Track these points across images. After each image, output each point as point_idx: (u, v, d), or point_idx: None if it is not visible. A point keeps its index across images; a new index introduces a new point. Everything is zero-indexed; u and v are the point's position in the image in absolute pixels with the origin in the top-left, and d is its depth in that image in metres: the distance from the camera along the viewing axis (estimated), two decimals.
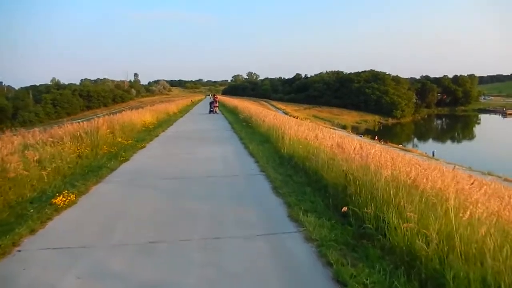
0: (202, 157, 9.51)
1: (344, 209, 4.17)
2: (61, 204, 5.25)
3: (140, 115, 18.68)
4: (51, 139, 9.17)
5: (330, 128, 40.94)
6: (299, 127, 10.93)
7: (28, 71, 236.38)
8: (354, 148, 6.17)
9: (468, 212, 3.42)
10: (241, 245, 3.99)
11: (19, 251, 3.92)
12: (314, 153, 7.42)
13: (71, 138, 9.57)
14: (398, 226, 3.82)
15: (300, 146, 8.15)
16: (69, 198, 5.50)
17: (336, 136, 9.45)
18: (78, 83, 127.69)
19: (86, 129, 10.50)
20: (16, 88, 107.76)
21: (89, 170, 7.86)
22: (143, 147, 11.37)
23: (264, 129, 13.73)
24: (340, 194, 5.42)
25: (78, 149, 9.17)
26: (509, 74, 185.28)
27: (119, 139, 12.08)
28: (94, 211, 5.22)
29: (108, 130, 11.82)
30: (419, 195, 4.23)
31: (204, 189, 6.37)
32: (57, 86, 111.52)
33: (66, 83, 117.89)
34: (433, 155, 38.34)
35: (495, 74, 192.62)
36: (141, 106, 34.75)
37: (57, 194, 5.61)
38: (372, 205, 4.45)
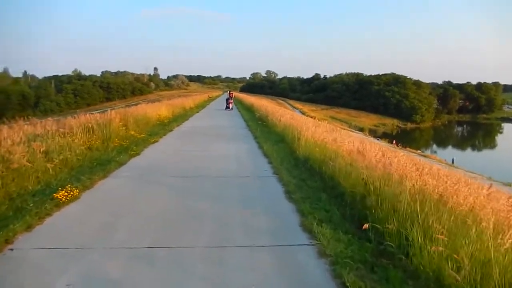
0: (215, 155, 9.21)
1: (365, 226, 3.77)
2: (63, 199, 5.01)
3: (156, 109, 18.53)
4: (62, 129, 9.02)
5: (348, 130, 40.23)
6: (316, 128, 10.51)
7: (52, 62, 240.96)
8: (376, 155, 5.74)
9: (507, 237, 3.00)
10: (248, 257, 3.65)
11: (11, 249, 3.67)
12: (332, 157, 7.02)
13: (82, 129, 9.41)
14: (423, 247, 3.42)
15: (317, 149, 7.75)
16: (72, 193, 5.26)
17: (356, 140, 8.99)
18: (99, 75, 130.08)
19: (99, 121, 10.33)
20: (40, 78, 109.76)
21: (97, 163, 7.64)
22: (155, 141, 11.14)
23: (279, 128, 13.35)
24: (358, 204, 5.03)
25: (88, 141, 9.00)
26: None
27: (132, 132, 11.90)
28: (96, 209, 4.96)
29: (121, 123, 11.64)
30: (448, 212, 3.81)
31: (214, 189, 6.06)
32: (78, 77, 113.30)
33: (88, 74, 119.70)
34: (453, 162, 37.44)
35: None
36: (158, 100, 34.84)
37: (60, 188, 5.37)
38: (394, 220, 4.05)
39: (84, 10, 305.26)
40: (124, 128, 11.64)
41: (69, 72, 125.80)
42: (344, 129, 37.22)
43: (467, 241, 3.17)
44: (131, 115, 13.48)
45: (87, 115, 10.97)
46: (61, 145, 7.68)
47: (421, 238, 3.57)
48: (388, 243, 3.74)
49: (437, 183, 4.30)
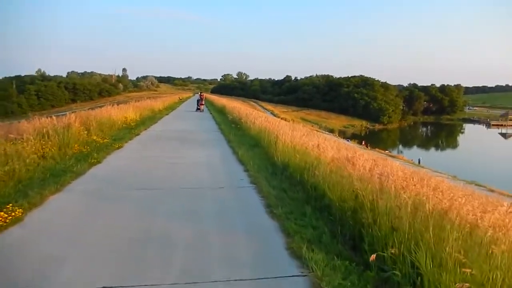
0: (185, 162, 8.46)
1: (373, 257, 3.16)
2: (1, 223, 4.15)
3: (122, 111, 17.45)
4: (11, 135, 8.02)
5: (319, 131, 40.18)
6: (293, 132, 9.96)
7: (14, 61, 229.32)
8: (364, 163, 5.21)
9: None
10: None
11: None
12: (314, 165, 6.47)
13: (36, 135, 8.42)
14: (437, 278, 2.88)
15: (297, 155, 7.17)
16: (14, 214, 4.40)
17: (340, 145, 8.51)
18: (64, 76, 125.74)
19: (56, 125, 9.33)
20: (0, 78, 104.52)
21: (51, 174, 6.73)
22: (120, 147, 10.24)
23: (254, 132, 12.74)
24: (349, 220, 4.46)
25: (43, 148, 8.03)
26: (494, 86, 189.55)
27: (95, 137, 10.93)
28: (41, 235, 4.12)
29: (82, 127, 10.67)
30: (457, 230, 3.30)
31: (185, 205, 5.33)
32: (42, 77, 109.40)
33: (52, 75, 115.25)
34: (419, 162, 38.19)
35: (480, 85, 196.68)
36: (127, 101, 33.44)
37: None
38: (396, 240, 3.50)
39: (50, 7, 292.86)
40: (85, 132, 10.66)
41: (32, 72, 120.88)
42: (317, 130, 37.16)
43: (492, 267, 2.65)
44: (94, 118, 12.46)
45: (44, 118, 9.93)
46: (9, 153, 6.72)
47: (431, 264, 3.04)
48: (393, 272, 3.18)
49: (442, 196, 3.79)
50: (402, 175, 4.20)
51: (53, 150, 8.22)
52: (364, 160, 5.41)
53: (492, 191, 19.87)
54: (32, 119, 9.80)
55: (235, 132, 14.10)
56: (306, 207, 5.18)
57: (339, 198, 4.95)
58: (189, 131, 15.58)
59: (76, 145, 9.27)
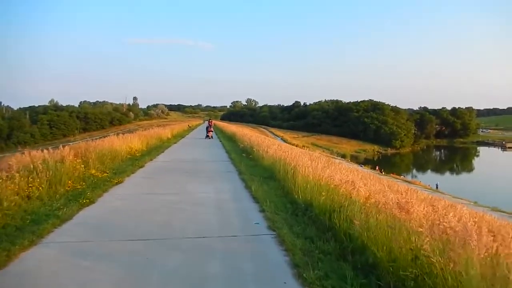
0: (191, 200, 7.33)
1: None
2: None
3: (127, 141, 16.56)
4: None
5: (331, 156, 38.85)
6: (312, 162, 8.82)
7: (28, 93, 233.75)
8: (424, 210, 4.03)
9: None
10: None
11: None
12: (345, 205, 5.31)
13: (23, 170, 7.44)
14: None
15: (323, 193, 6.01)
16: None
17: (367, 177, 7.33)
18: (77, 105, 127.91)
19: (48, 158, 8.36)
20: (15, 109, 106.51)
21: (32, 220, 5.66)
22: (119, 182, 9.19)
23: (267, 162, 11.64)
24: None
25: (29, 187, 7.02)
26: (506, 108, 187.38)
27: (93, 171, 9.93)
28: None
29: (78, 160, 9.69)
30: None
31: (187, 265, 4.17)
32: (55, 107, 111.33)
33: (65, 104, 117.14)
34: (437, 187, 36.53)
35: (491, 107, 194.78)
36: (137, 130, 32.80)
37: None
38: None
39: (64, 38, 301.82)
40: (82, 166, 9.66)
41: (46, 102, 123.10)
42: (329, 156, 35.90)
43: None
44: (94, 149, 11.51)
45: (35, 151, 8.97)
46: None
47: None
48: None
49: None
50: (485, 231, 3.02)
51: (41, 188, 7.18)
52: (418, 205, 4.24)
53: None
54: (22, 151, 8.87)
55: (247, 162, 13.01)
56: (344, 266, 3.99)
57: (388, 256, 3.77)
58: (197, 161, 14.55)
59: (69, 182, 8.25)
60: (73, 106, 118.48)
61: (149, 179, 9.96)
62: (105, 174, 10.05)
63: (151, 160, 14.39)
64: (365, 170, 30.01)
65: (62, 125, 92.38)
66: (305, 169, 7.59)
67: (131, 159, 14.21)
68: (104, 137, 17.00)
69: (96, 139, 15.85)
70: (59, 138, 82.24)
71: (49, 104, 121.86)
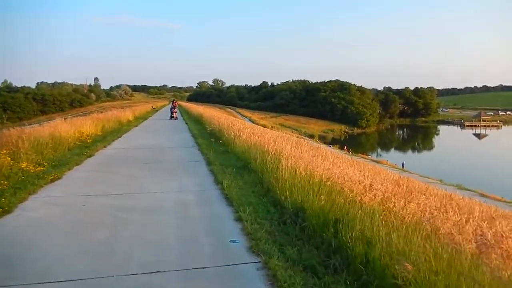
0: (144, 206, 5.60)
1: None
2: None
3: (77, 125, 14.37)
4: None
5: (300, 137, 37.57)
6: (296, 149, 7.29)
7: None
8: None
9: None
10: None
11: None
12: (349, 213, 3.85)
13: None
14: None
15: (322, 196, 4.49)
16: None
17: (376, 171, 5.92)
18: (33, 86, 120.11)
19: None
20: None
21: None
22: (55, 178, 7.30)
23: (240, 148, 10.02)
24: None
25: None
26: (463, 87, 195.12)
27: (24, 165, 7.93)
28: None
29: (3, 152, 7.68)
30: None
31: None
32: (8, 88, 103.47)
33: (20, 86, 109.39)
34: (403, 166, 36.58)
35: (450, 87, 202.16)
36: (99, 111, 30.06)
37: None
38: None
39: (19, 16, 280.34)
40: (8, 159, 7.66)
41: None
42: (298, 137, 34.68)
43: None
44: (29, 137, 9.43)
45: None
46: None
47: None
48: None
49: None
50: None
51: None
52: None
53: (483, 196, 18.41)
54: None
55: (216, 148, 11.34)
56: None
57: None
58: (158, 148, 12.70)
59: None
60: (29, 88, 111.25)
61: (96, 173, 8.10)
62: (39, 168, 8.08)
63: (104, 147, 12.41)
64: (329, 148, 29.18)
65: (17, 108, 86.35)
66: (290, 159, 6.04)
67: (80, 146, 12.15)
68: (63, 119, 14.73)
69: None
70: (14, 121, 76.99)
71: (1, 86, 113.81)
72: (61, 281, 3.23)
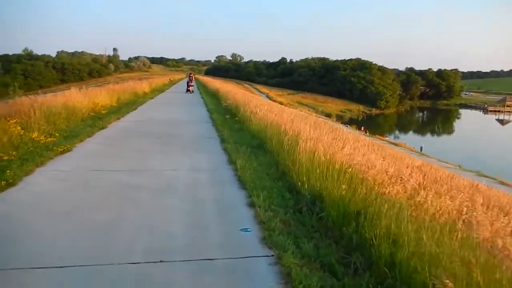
0: (153, 184, 5.31)
1: None
2: None
3: (91, 96, 14.18)
4: None
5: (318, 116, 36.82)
6: (315, 130, 6.87)
7: (2, 40, 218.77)
8: None
9: None
10: None
11: None
12: (381, 210, 3.47)
13: None
14: None
15: (343, 186, 4.11)
16: None
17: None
18: (54, 55, 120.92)
19: None
20: None
21: None
22: (65, 150, 7.10)
23: (256, 126, 9.65)
24: None
25: None
26: (488, 71, 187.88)
27: (35, 135, 7.75)
28: None
29: (12, 120, 7.50)
30: None
31: None
32: (29, 56, 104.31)
33: (40, 54, 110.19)
34: (421, 150, 35.73)
35: (474, 70, 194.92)
36: (117, 82, 29.96)
37: None
38: None
39: None
40: (18, 128, 7.49)
41: (19, 51, 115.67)
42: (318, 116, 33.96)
43: None
44: (42, 106, 9.25)
45: None
46: None
47: None
48: None
49: None
50: None
51: None
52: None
53: (503, 183, 17.72)
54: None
55: (231, 125, 10.99)
56: None
57: None
58: (172, 122, 12.43)
59: None
60: (49, 56, 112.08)
61: (107, 147, 7.88)
62: (50, 139, 7.89)
63: (118, 119, 12.21)
64: (346, 129, 28.57)
65: (37, 76, 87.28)
66: (309, 142, 5.65)
67: (94, 118, 11.97)
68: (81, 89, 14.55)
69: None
70: (34, 89, 78.04)
71: (23, 53, 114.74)
72: (53, 267, 2.98)
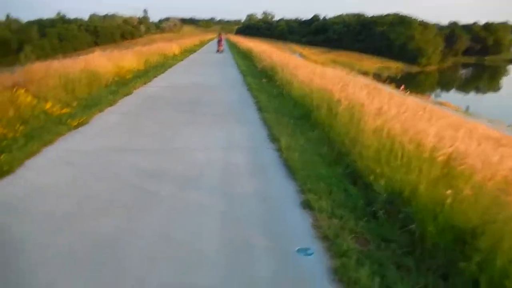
0: (178, 172, 4.16)
1: None
2: None
3: (116, 59, 13.17)
4: None
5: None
6: (379, 99, 5.48)
7: (35, 4, 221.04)
8: None
9: None
10: None
11: None
12: None
13: None
14: None
15: (449, 191, 2.82)
16: None
17: None
18: (86, 18, 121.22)
19: None
20: (24, 22, 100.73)
21: None
22: (81, 124, 6.13)
23: (298, 91, 8.29)
24: None
25: None
26: None
27: (48, 106, 6.83)
28: None
29: (22, 90, 6.58)
30: None
31: None
32: (62, 20, 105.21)
33: (73, 17, 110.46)
34: (467, 109, 33.08)
35: None
36: (149, 44, 29.00)
37: None
38: None
39: None
40: (29, 98, 6.57)
41: (52, 15, 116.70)
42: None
43: None
44: (55, 72, 8.29)
45: None
46: None
47: None
48: None
49: None
50: None
51: None
52: None
53: None
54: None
55: (268, 90, 9.69)
56: None
57: None
58: (202, 87, 11.23)
59: None
60: (81, 20, 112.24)
61: (128, 118, 6.85)
62: (65, 110, 6.95)
63: (144, 84, 11.19)
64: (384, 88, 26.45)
65: (71, 39, 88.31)
66: (376, 118, 4.31)
67: (118, 83, 10.99)
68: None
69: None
70: (69, 52, 79.05)
71: (56, 17, 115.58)
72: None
